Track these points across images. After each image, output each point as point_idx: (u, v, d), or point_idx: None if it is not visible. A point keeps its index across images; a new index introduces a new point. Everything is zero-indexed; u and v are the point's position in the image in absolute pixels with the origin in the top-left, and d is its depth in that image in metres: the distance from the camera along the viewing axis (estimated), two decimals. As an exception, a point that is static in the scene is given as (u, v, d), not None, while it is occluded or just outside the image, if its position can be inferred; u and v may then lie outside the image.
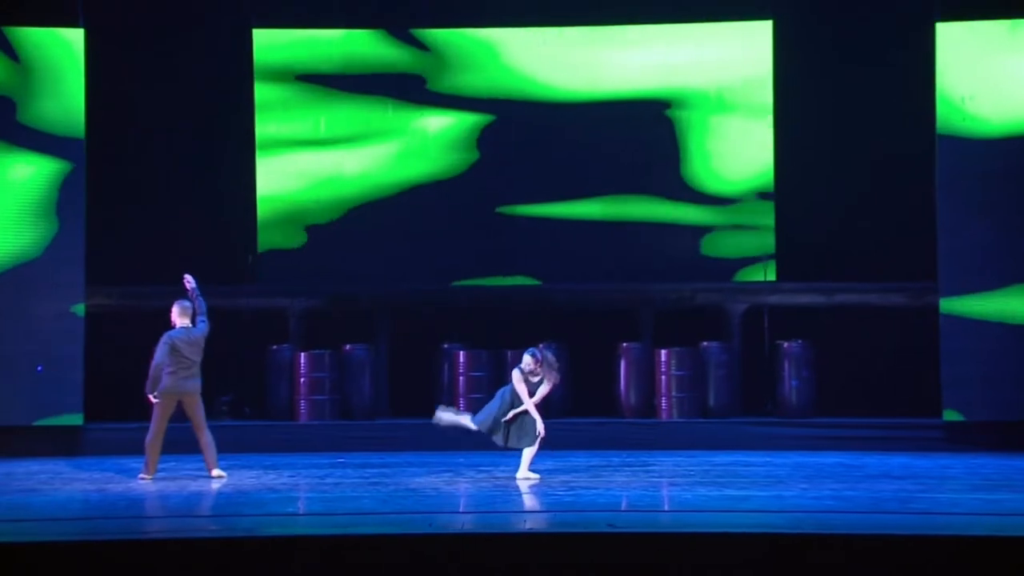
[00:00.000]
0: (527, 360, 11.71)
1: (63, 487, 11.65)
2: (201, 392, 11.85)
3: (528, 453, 11.67)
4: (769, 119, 15.08)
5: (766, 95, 15.08)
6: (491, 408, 11.76)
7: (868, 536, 8.71)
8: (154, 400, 11.72)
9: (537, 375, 11.68)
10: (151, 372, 11.73)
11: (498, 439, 11.71)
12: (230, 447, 12.92)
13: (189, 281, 11.97)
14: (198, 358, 11.82)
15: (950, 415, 13.92)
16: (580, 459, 12.98)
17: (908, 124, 14.62)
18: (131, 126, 15.13)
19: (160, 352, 11.70)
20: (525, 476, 11.59)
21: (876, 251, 14.98)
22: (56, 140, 14.03)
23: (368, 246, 15.34)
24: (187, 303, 11.88)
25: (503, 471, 12.01)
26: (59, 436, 13.99)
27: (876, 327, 14.86)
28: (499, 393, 11.85)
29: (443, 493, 10.95)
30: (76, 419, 14.02)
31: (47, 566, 8.28)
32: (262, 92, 15.32)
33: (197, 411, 11.82)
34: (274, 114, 15.35)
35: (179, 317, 11.85)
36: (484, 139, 15.31)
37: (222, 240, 15.27)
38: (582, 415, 14.73)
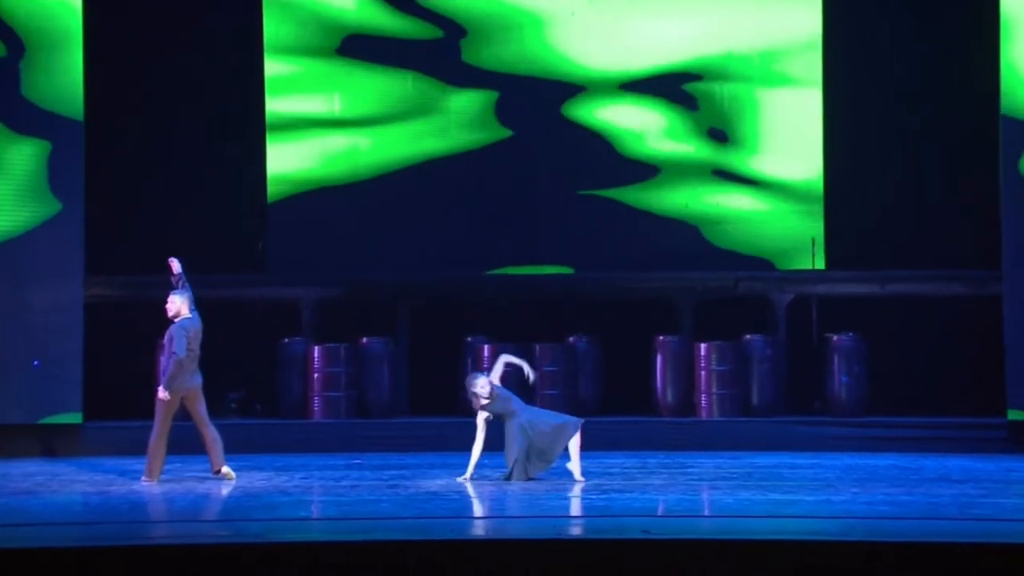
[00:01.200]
0: (484, 389, 11.55)
1: (62, 489, 11.71)
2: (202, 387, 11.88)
3: (574, 444, 11.56)
4: (818, 94, 15.00)
5: (815, 69, 15.00)
6: (511, 453, 11.57)
7: (925, 544, 8.69)
8: (166, 398, 11.70)
9: (489, 404, 11.55)
10: (172, 368, 11.63)
11: (539, 468, 11.59)
12: (239, 447, 12.96)
13: (175, 265, 11.94)
14: (199, 351, 11.85)
15: (1015, 414, 13.84)
16: (614, 460, 12.97)
17: (969, 100, 14.55)
18: (133, 104, 15.16)
19: (181, 345, 11.62)
20: (575, 466, 11.54)
21: (933, 237, 14.90)
22: (54, 119, 14.07)
23: (386, 231, 15.33)
24: (187, 293, 11.86)
25: (531, 473, 12.01)
26: (57, 435, 14.06)
27: (933, 319, 14.79)
28: (511, 434, 11.64)
29: (466, 496, 10.97)
30: (75, 417, 14.08)
31: (45, 573, 8.31)
32: (273, 67, 15.33)
33: (200, 406, 11.83)
34: (286, 90, 15.35)
35: (183, 307, 11.82)
36: (508, 116, 15.26)
37: (230, 225, 15.30)
38: (616, 413, 14.71)
